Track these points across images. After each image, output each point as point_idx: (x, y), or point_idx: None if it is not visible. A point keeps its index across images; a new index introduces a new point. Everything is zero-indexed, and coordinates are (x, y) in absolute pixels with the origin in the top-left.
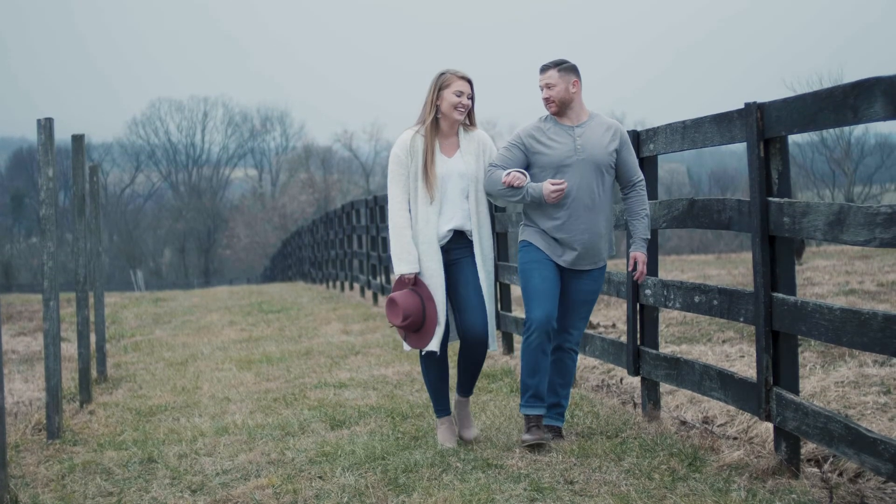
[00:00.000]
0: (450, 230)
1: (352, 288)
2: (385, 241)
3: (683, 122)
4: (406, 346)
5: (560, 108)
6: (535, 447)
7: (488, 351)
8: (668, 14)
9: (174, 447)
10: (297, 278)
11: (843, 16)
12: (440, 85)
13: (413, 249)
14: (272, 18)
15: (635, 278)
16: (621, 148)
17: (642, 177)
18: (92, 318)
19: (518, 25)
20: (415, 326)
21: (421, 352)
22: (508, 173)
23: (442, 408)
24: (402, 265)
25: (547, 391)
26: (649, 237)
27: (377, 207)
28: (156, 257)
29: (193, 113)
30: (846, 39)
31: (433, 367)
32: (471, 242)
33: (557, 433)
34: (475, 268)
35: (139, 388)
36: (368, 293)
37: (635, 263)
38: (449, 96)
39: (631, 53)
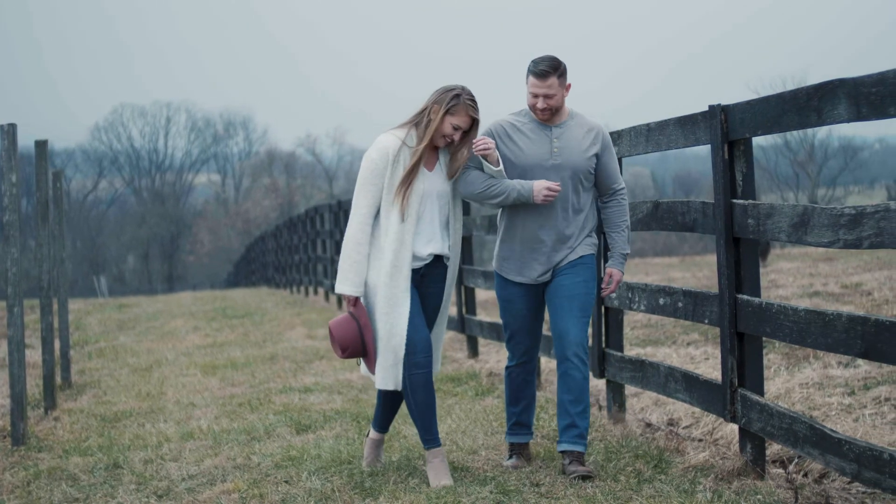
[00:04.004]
0: (430, 254)
1: (316, 293)
2: None
3: (648, 124)
4: (370, 374)
5: (552, 116)
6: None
7: (448, 357)
8: (647, 29)
9: (140, 453)
10: (260, 283)
11: (810, 18)
12: (449, 108)
13: (363, 270)
14: (233, 23)
15: (603, 294)
16: (602, 152)
17: (623, 185)
18: (56, 325)
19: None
20: (358, 354)
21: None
22: (481, 140)
23: (431, 437)
24: (345, 285)
25: (558, 412)
26: (629, 252)
27: (341, 212)
28: (119, 263)
29: (156, 118)
30: (811, 41)
31: (415, 390)
32: (445, 269)
33: (577, 458)
34: (439, 301)
35: (104, 394)
36: (332, 298)
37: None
38: (447, 125)
39: (620, 66)
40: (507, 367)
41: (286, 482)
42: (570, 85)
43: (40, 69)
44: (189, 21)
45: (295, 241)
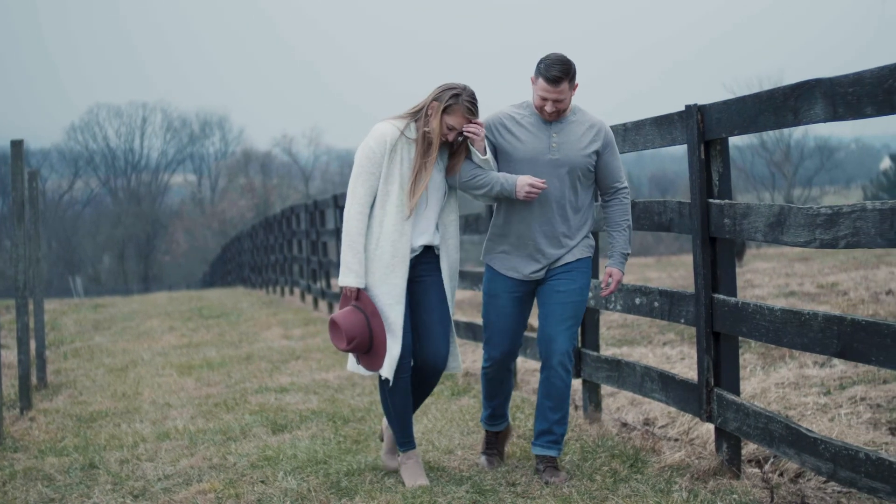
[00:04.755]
0: (421, 245)
1: (291, 293)
2: (325, 246)
3: (624, 124)
4: (362, 370)
5: (559, 115)
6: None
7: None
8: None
9: (115, 453)
10: (236, 283)
11: (784, 20)
12: (446, 107)
13: (363, 260)
14: (209, 22)
15: (603, 294)
16: (603, 150)
17: (626, 184)
18: (31, 325)
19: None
20: (363, 348)
21: (380, 376)
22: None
23: (407, 439)
24: (349, 276)
25: (536, 415)
26: (629, 252)
27: (317, 212)
28: (95, 263)
29: (132, 118)
30: (790, 42)
31: (396, 392)
32: (437, 258)
33: (551, 464)
34: (441, 290)
35: (79, 394)
36: (308, 298)
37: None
38: (442, 124)
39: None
40: (483, 368)
41: (262, 482)
42: (577, 85)
43: (16, 69)
44: (165, 21)
45: (271, 241)
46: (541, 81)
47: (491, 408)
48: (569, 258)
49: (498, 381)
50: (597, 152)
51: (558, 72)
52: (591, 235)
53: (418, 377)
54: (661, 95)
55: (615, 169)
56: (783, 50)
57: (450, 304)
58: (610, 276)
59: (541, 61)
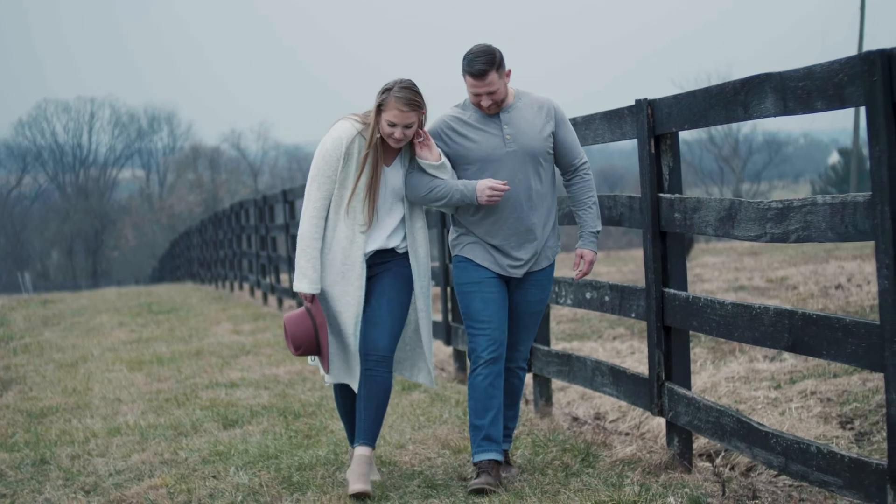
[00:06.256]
0: (371, 250)
1: (241, 288)
2: (274, 241)
3: (574, 118)
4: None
5: (499, 106)
6: (481, 491)
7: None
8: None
9: (66, 448)
10: (185, 279)
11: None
12: (379, 104)
13: (318, 266)
14: (157, 18)
15: (575, 278)
16: (557, 128)
17: (586, 158)
18: None
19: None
20: (311, 353)
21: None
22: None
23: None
24: (303, 282)
25: None
26: (600, 229)
27: (266, 207)
28: (43, 259)
29: (80, 114)
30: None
31: (347, 397)
32: (395, 254)
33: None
34: (395, 279)
35: (30, 390)
36: (258, 293)
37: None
38: (383, 124)
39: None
40: (471, 375)
41: (214, 477)
42: (510, 70)
43: None
44: (112, 17)
45: (220, 236)
46: (469, 78)
47: (484, 428)
48: (543, 262)
49: (489, 386)
50: (552, 132)
51: (482, 64)
52: (557, 230)
53: (361, 375)
54: (615, 95)
55: (572, 144)
56: (741, 54)
57: (423, 314)
58: (581, 257)
59: (464, 56)
